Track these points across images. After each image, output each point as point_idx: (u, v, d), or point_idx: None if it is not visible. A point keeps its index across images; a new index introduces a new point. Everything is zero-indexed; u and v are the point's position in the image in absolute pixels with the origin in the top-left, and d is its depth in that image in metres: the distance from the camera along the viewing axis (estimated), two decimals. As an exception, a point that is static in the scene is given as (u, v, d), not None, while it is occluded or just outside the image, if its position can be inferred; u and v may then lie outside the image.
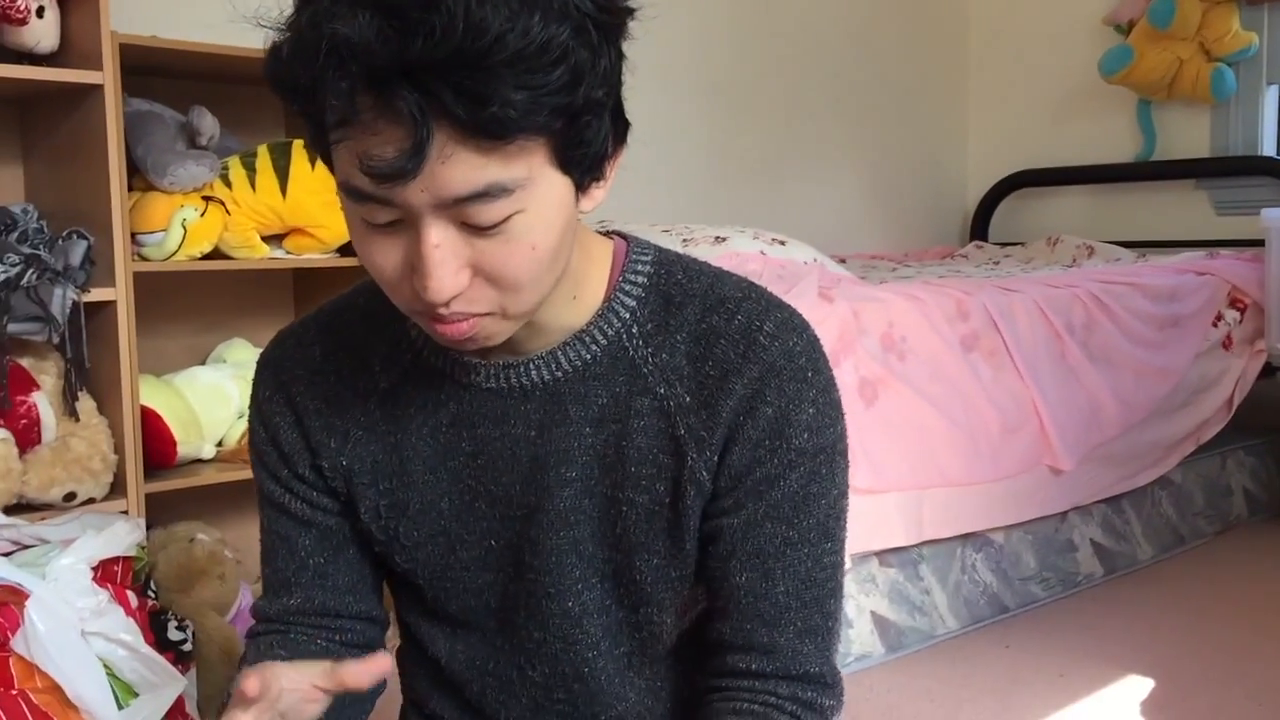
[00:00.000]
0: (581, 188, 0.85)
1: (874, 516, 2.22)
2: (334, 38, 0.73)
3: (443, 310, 0.82)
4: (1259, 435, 3.36)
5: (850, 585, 2.25)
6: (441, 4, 0.71)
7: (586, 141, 0.81)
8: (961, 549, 2.47)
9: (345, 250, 2.31)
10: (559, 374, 0.96)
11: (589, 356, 0.96)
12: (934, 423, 2.31)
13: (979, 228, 4.27)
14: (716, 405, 0.93)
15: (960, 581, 2.46)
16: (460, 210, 0.78)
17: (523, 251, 0.81)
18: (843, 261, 3.39)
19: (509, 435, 0.97)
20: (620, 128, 0.87)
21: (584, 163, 0.83)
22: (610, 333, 0.96)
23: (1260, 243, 3.22)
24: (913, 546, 2.35)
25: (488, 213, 0.78)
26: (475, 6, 0.71)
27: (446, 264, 0.79)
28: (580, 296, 0.95)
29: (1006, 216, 4.28)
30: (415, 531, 1.01)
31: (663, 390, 0.95)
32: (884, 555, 2.32)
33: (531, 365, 0.96)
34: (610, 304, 0.96)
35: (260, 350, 2.44)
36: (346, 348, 1.02)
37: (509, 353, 0.96)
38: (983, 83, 4.40)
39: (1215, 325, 3.09)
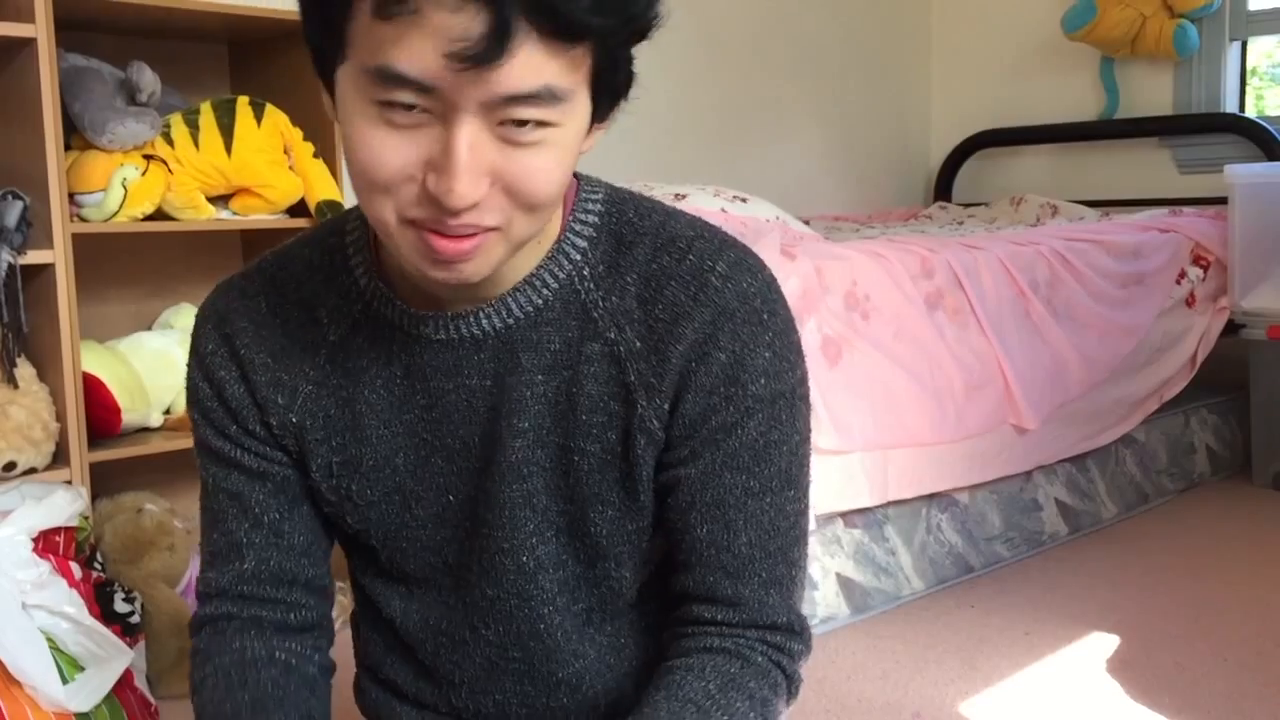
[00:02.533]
0: (592, 124, 0.84)
1: (839, 477, 2.19)
2: None
3: (452, 220, 0.78)
4: (1222, 393, 3.36)
5: (815, 547, 2.23)
6: None
7: (618, 70, 0.82)
8: (927, 509, 2.45)
9: (295, 211, 2.24)
10: (510, 321, 0.92)
11: (540, 302, 0.92)
12: (898, 382, 2.28)
13: (943, 188, 4.25)
14: (666, 351, 0.90)
15: (925, 542, 2.44)
16: (507, 111, 0.76)
17: (548, 167, 0.79)
18: (807, 222, 3.35)
19: (463, 387, 0.93)
20: (630, 79, 0.86)
21: (610, 93, 0.83)
22: (562, 276, 0.92)
23: (1223, 200, 3.21)
24: (878, 507, 2.33)
25: (534, 113, 0.76)
26: None
27: (475, 168, 0.76)
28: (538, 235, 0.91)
29: (970, 176, 4.25)
30: (369, 490, 0.97)
31: (613, 335, 0.91)
32: (849, 516, 2.29)
33: (482, 314, 0.92)
34: (561, 245, 0.92)
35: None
36: (293, 300, 0.97)
37: (457, 304, 0.92)
38: (945, 41, 4.36)
39: (1179, 283, 3.08)
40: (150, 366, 2.13)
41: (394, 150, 0.77)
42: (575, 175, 0.97)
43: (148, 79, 2.03)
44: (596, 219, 0.94)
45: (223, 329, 0.97)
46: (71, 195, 1.97)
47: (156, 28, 2.23)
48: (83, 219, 1.99)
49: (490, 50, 0.72)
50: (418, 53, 0.73)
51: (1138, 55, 3.78)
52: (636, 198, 0.97)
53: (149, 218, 2.07)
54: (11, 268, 1.85)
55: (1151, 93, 3.85)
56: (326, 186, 2.22)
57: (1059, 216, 3.59)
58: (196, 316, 1.01)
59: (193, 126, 2.10)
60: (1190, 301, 3.11)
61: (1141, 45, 3.70)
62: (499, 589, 0.98)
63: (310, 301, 0.97)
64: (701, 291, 0.90)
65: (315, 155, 2.22)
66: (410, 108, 0.76)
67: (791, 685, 0.96)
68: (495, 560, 0.96)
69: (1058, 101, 4.04)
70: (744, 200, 2.49)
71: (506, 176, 0.78)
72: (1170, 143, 3.81)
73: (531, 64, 0.74)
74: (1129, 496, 3.00)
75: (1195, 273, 3.13)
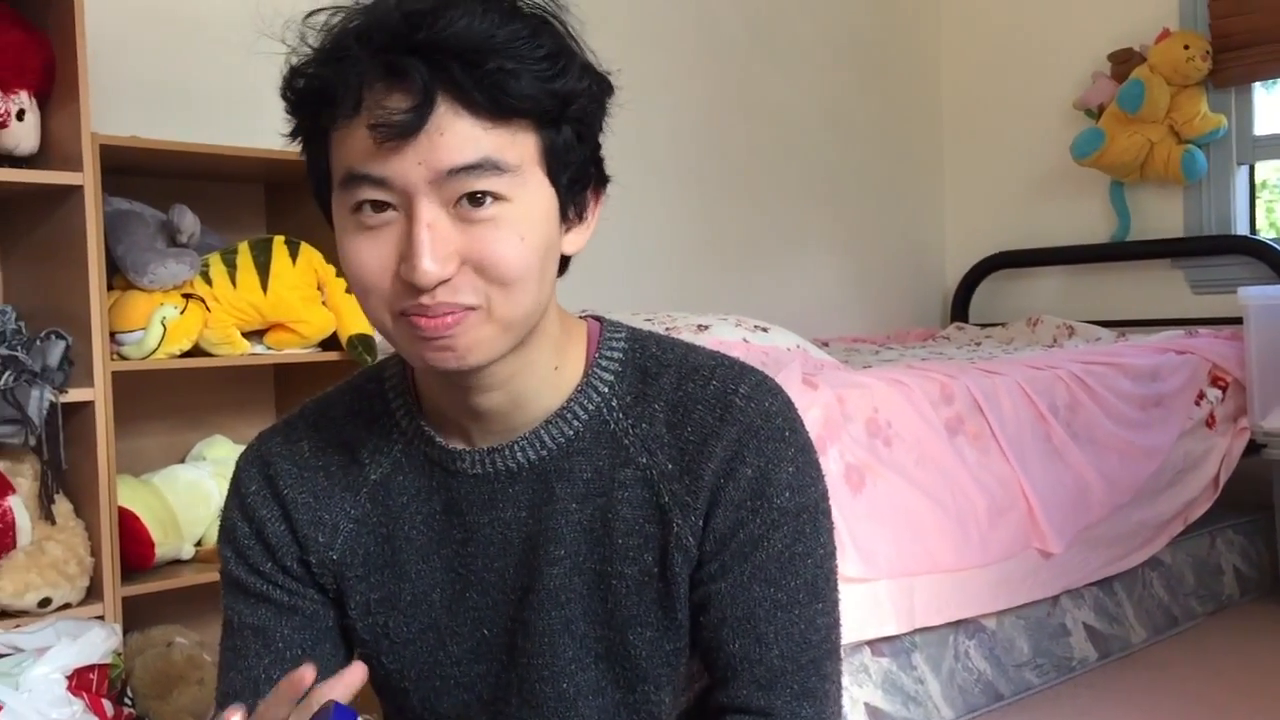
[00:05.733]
0: (565, 215, 0.91)
1: (865, 605, 2.19)
2: (358, 26, 0.85)
3: (427, 301, 0.84)
4: (1247, 513, 3.35)
5: (844, 678, 2.21)
6: (451, 7, 0.83)
7: (570, 155, 0.89)
8: (954, 636, 2.43)
9: (327, 345, 2.30)
10: (544, 453, 0.96)
11: (571, 433, 0.96)
12: (922, 508, 2.29)
13: (959, 308, 4.30)
14: (698, 469, 0.94)
15: (954, 669, 2.43)
16: (453, 186, 0.83)
17: (510, 239, 0.85)
18: (825, 345, 3.40)
19: (499, 520, 0.97)
20: (600, 174, 0.94)
21: (568, 179, 0.90)
22: (590, 407, 0.97)
23: (1238, 320, 3.25)
24: (905, 635, 2.32)
25: (480, 184, 0.83)
26: (480, 14, 0.83)
27: (437, 245, 0.83)
28: (561, 368, 0.97)
29: (986, 297, 4.31)
30: (405, 626, 1.00)
31: (644, 460, 0.96)
32: (876, 645, 2.28)
33: (516, 447, 0.96)
34: (589, 379, 0.98)
35: (241, 446, 2.41)
36: (334, 443, 1.02)
37: (492, 438, 0.96)
38: (958, 165, 4.46)
39: (1198, 404, 3.10)
40: (183, 499, 2.16)
41: (370, 250, 0.86)
42: (597, 318, 1.03)
43: (188, 221, 2.10)
44: (620, 354, 0.99)
45: (266, 471, 1.02)
46: (112, 334, 2.03)
47: (196, 171, 2.31)
48: (122, 356, 2.05)
49: (413, 121, 0.81)
50: (367, 148, 0.83)
51: (1147, 179, 3.86)
52: (655, 335, 1.03)
53: (186, 354, 2.12)
54: (53, 406, 1.90)
55: (1162, 215, 3.92)
56: (358, 321, 2.28)
57: (1075, 337, 3.63)
58: (239, 460, 1.05)
59: (230, 265, 2.17)
60: (1210, 422, 3.12)
61: (1150, 170, 3.78)
62: (540, 717, 0.99)
63: (351, 443, 1.01)
64: (727, 412, 0.95)
65: (348, 291, 2.28)
66: (378, 207, 0.85)
67: None
68: (535, 689, 0.98)
69: (1070, 224, 4.11)
70: (765, 330, 2.54)
71: (472, 255, 0.85)
72: (1183, 264, 3.86)
73: (468, 137, 0.83)
74: (1157, 620, 2.97)
75: (1214, 394, 3.15)
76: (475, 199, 0.84)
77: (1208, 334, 3.33)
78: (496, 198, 0.84)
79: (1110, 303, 4.02)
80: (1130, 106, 3.71)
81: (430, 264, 0.83)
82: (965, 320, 4.26)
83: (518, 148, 0.85)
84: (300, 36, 0.88)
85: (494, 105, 0.83)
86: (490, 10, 0.84)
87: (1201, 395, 3.11)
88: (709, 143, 3.67)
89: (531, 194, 0.87)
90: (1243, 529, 3.31)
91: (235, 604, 1.03)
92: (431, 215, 0.84)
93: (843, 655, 2.25)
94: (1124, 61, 3.87)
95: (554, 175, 0.88)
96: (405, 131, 0.82)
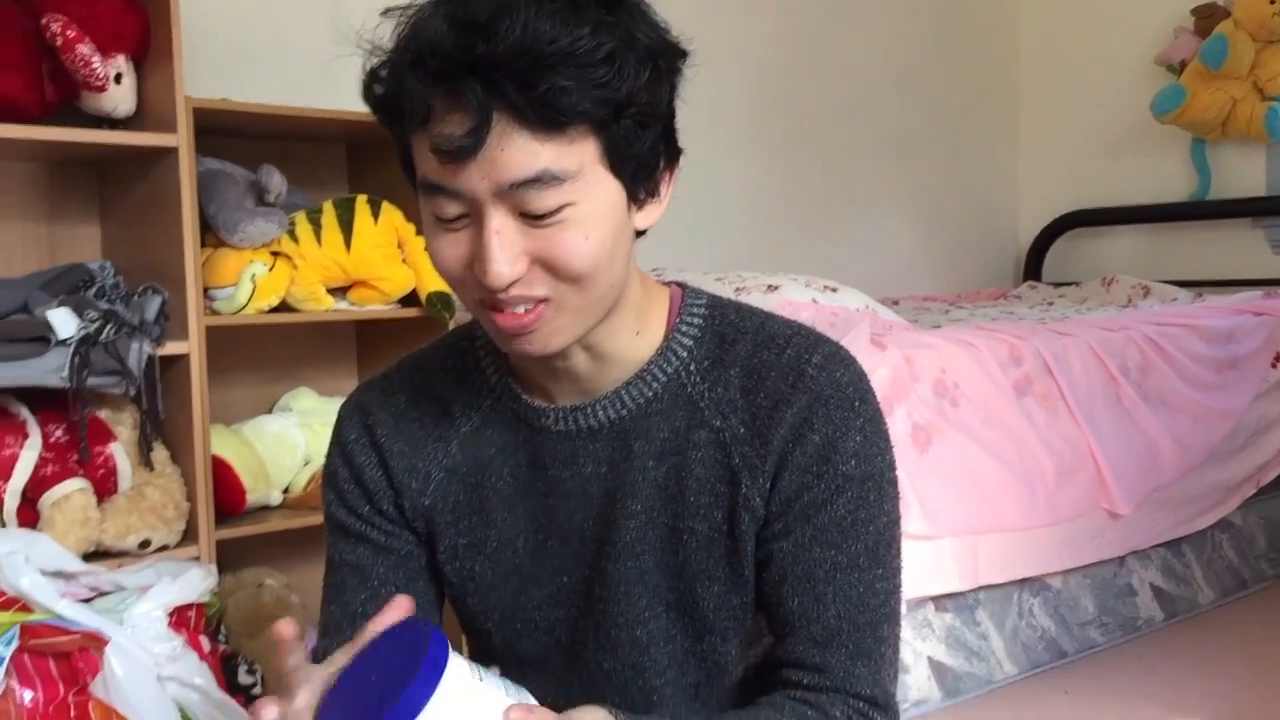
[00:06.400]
0: (635, 198, 0.94)
1: (929, 562, 2.23)
2: (415, 43, 0.87)
3: (502, 296, 0.90)
4: (1322, 476, 3.31)
5: (906, 631, 2.26)
6: (505, 15, 0.84)
7: (634, 147, 0.91)
8: (1019, 594, 2.46)
9: (406, 301, 2.37)
10: (624, 412, 1.02)
11: (650, 394, 1.01)
12: (988, 468, 2.31)
13: (1032, 268, 4.27)
14: (768, 434, 0.98)
15: (1018, 627, 2.46)
16: (517, 198, 0.87)
17: (575, 240, 0.89)
18: (895, 304, 3.42)
19: (579, 475, 1.03)
20: (672, 149, 0.97)
21: (633, 169, 0.92)
22: (670, 370, 1.02)
23: (1319, 282, 3.20)
24: (969, 592, 2.35)
25: (541, 200, 0.87)
26: (533, 18, 0.84)
27: (505, 250, 0.88)
28: (643, 333, 1.02)
29: (1060, 257, 4.27)
30: (490, 571, 1.06)
31: (718, 423, 1.00)
32: (940, 600, 2.32)
33: (598, 406, 1.02)
34: (669, 343, 1.02)
35: (325, 399, 2.50)
36: (428, 397, 1.08)
37: (576, 397, 1.02)
38: (1034, 123, 4.41)
39: (1274, 366, 3.07)
40: (271, 448, 2.26)
41: (449, 248, 0.92)
42: (680, 285, 1.08)
43: (275, 181, 2.18)
44: (701, 320, 1.04)
45: (365, 420, 1.09)
46: (205, 290, 2.11)
47: (282, 132, 2.39)
48: (214, 311, 2.14)
49: (470, 145, 0.85)
50: (429, 160, 0.88)
51: (1229, 137, 3.79)
52: (735, 303, 1.07)
53: (273, 309, 2.21)
54: (151, 358, 1.99)
55: (1244, 174, 3.86)
56: (437, 279, 2.34)
57: (1151, 297, 3.60)
58: (341, 409, 1.13)
59: (315, 224, 2.24)
60: (1286, 385, 3.09)
61: (1233, 128, 3.72)
62: (615, 661, 1.05)
63: (444, 397, 1.08)
64: (799, 380, 0.99)
65: (427, 249, 2.35)
66: (454, 218, 0.90)
67: None
68: (610, 634, 1.04)
69: (1148, 182, 4.06)
70: (834, 290, 2.57)
71: (540, 254, 0.89)
72: (1264, 223, 3.80)
73: (524, 153, 0.86)
74: (1226, 582, 2.97)
75: (1291, 356, 3.11)
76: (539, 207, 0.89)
77: (1287, 295, 3.29)
78: (560, 205, 0.88)
79: (1188, 263, 3.97)
80: (1213, 62, 3.64)
81: (500, 267, 0.88)
82: (1038, 280, 4.23)
83: (576, 153, 0.88)
84: (372, 44, 0.92)
85: (548, 122, 0.86)
86: (549, 9, 0.84)
87: (1278, 358, 3.08)
88: (781, 103, 3.68)
89: (595, 191, 0.90)
90: (1318, 493, 3.28)
91: (337, 543, 1.10)
92: (499, 223, 0.88)
93: (906, 611, 2.28)
94: (1207, 16, 3.79)
95: (618, 168, 0.91)
96: (463, 155, 0.86)
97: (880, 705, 1.00)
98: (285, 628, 0.84)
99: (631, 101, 0.88)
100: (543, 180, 0.87)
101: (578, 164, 0.88)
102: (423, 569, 1.10)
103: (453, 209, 0.89)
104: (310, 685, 0.87)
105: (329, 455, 1.12)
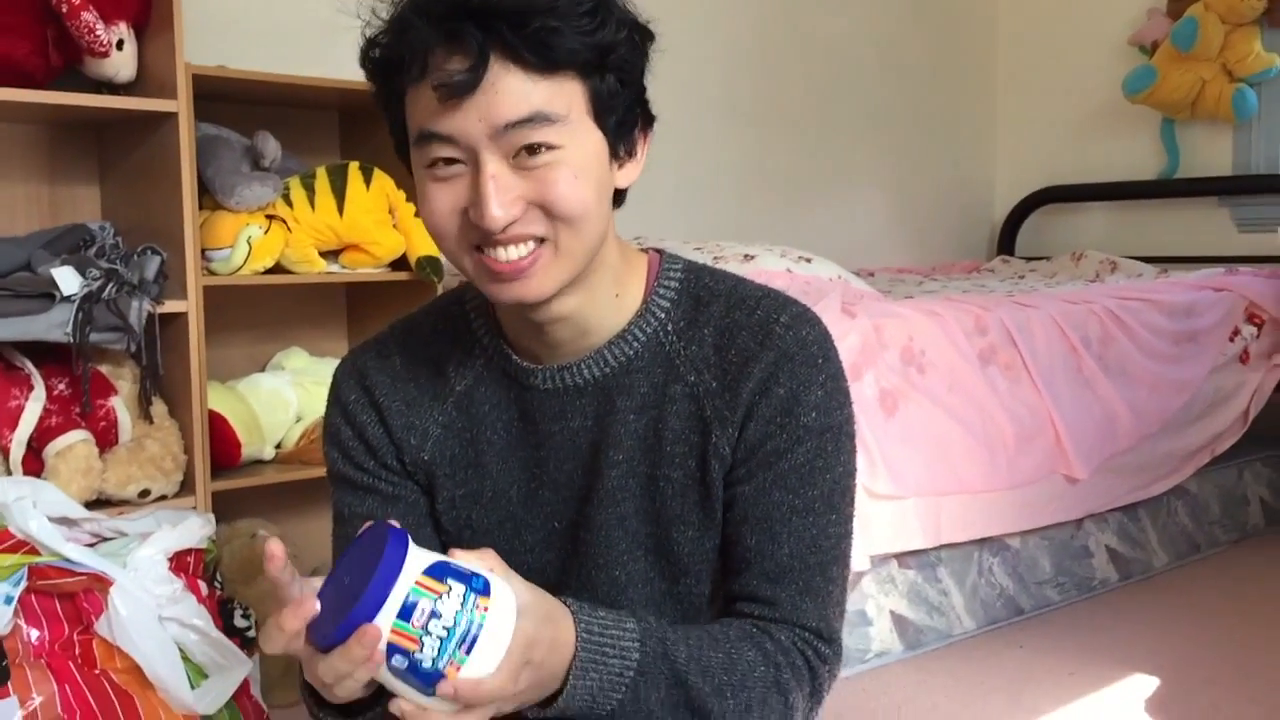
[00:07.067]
0: (615, 154, 1.03)
1: (893, 521, 2.34)
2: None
3: (500, 237, 0.98)
4: (1276, 447, 3.44)
5: (870, 585, 2.37)
6: None
7: (614, 101, 0.99)
8: (979, 553, 2.58)
9: (396, 265, 2.45)
10: (607, 370, 1.10)
11: (631, 353, 1.10)
12: (952, 433, 2.42)
13: (1006, 242, 4.38)
14: (738, 388, 1.07)
15: (977, 584, 2.58)
16: (511, 139, 0.95)
17: (566, 179, 0.97)
18: (871, 275, 3.52)
19: (567, 429, 1.12)
20: (646, 115, 1.06)
21: (614, 122, 1.00)
22: (649, 330, 1.11)
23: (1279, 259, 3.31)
24: (931, 550, 2.47)
25: (534, 136, 0.96)
26: None
27: (501, 193, 0.96)
28: (622, 296, 1.10)
29: (1033, 231, 4.38)
30: (486, 518, 1.15)
31: (693, 378, 1.09)
32: (903, 558, 2.43)
33: (583, 365, 1.10)
34: (648, 305, 1.11)
35: (315, 358, 2.58)
36: (422, 358, 1.16)
37: (562, 357, 1.10)
38: (1011, 99, 4.51)
39: (1232, 340, 3.18)
40: (265, 405, 2.35)
41: (443, 196, 0.99)
42: (658, 251, 1.16)
43: (271, 147, 2.26)
44: (677, 284, 1.13)
45: (363, 382, 1.17)
46: (203, 251, 2.19)
47: (277, 98, 2.46)
48: (211, 272, 2.22)
49: (470, 80, 0.93)
50: (434, 107, 0.95)
51: (1198, 117, 3.90)
52: (710, 268, 1.16)
53: (268, 271, 2.29)
54: (151, 316, 2.07)
55: (1211, 154, 3.96)
56: (426, 244, 2.43)
57: (1118, 272, 3.71)
58: (336, 372, 1.20)
59: (309, 189, 2.32)
60: (1244, 358, 3.21)
61: (1201, 108, 3.82)
62: (594, 599, 1.12)
63: (438, 359, 1.16)
64: (767, 339, 1.07)
65: (416, 215, 2.44)
66: (448, 162, 0.97)
67: (815, 680, 1.08)
68: (591, 575, 1.13)
69: (1119, 160, 4.16)
70: (808, 260, 2.66)
71: (534, 196, 0.97)
72: (1229, 202, 3.91)
73: (519, 91, 0.94)
74: (1180, 546, 3.09)
75: (1249, 330, 3.23)
76: (531, 149, 0.96)
77: (1248, 272, 3.40)
78: (550, 146, 0.97)
79: (1156, 239, 4.08)
80: (1184, 44, 3.74)
81: (497, 210, 0.96)
82: (1011, 254, 4.34)
83: (565, 97, 0.96)
84: (372, 10, 1.00)
85: (541, 60, 0.93)
86: None
87: (1236, 331, 3.20)
88: (760, 76, 3.76)
89: (582, 138, 0.98)
90: (1271, 462, 3.41)
91: (344, 497, 1.18)
92: (494, 167, 0.95)
93: (870, 566, 2.38)
94: (1179, -1, 3.89)
95: (601, 120, 0.99)
96: (464, 89, 0.93)
97: (824, 638, 1.08)
98: (275, 546, 0.90)
99: (612, 51, 0.97)
100: (534, 120, 0.94)
101: (566, 108, 0.96)
102: (427, 516, 1.17)
103: (447, 151, 0.96)
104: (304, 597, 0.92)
105: (328, 416, 1.19)
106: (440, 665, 0.85)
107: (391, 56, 0.98)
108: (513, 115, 0.94)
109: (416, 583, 0.86)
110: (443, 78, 0.93)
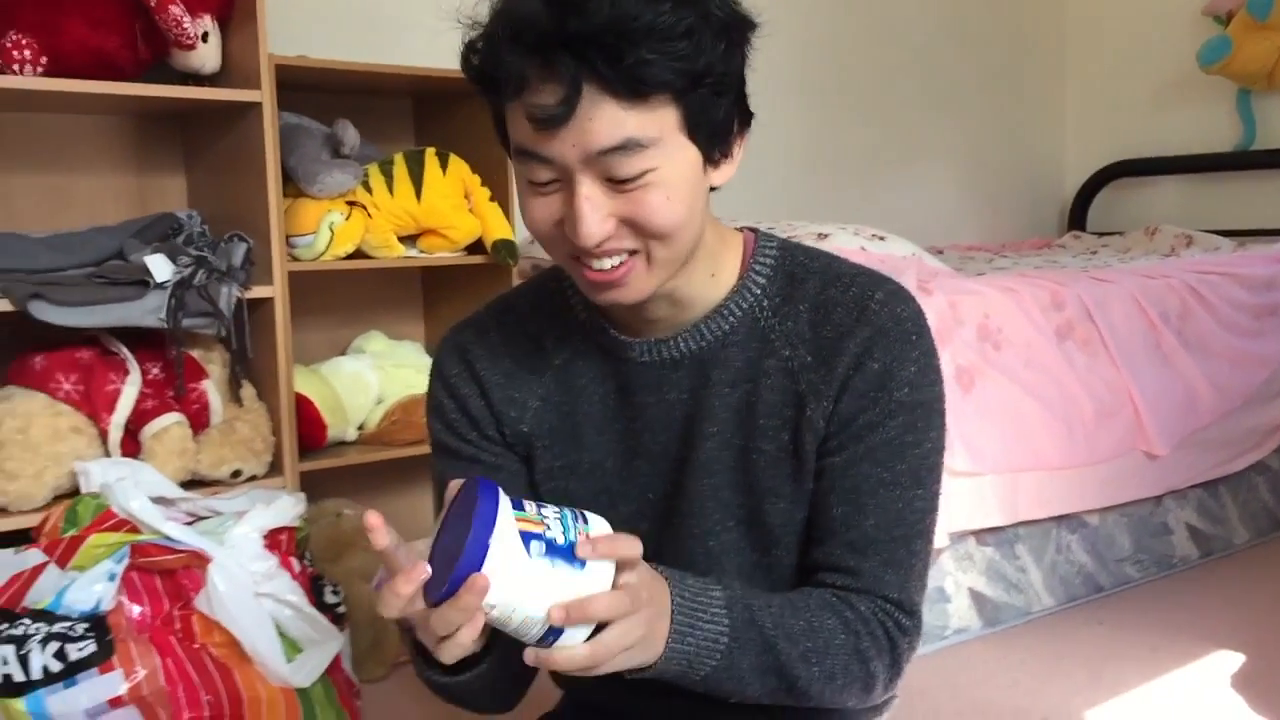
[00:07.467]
0: (710, 160, 1.04)
1: (971, 498, 2.34)
2: (510, 17, 0.95)
3: (595, 251, 1.00)
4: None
5: (949, 562, 2.37)
6: None
7: (710, 114, 0.99)
8: (1056, 530, 2.57)
9: (473, 249, 2.49)
10: (703, 344, 1.13)
11: (727, 327, 1.12)
12: (1029, 408, 2.41)
13: (1077, 218, 4.32)
14: (832, 363, 1.09)
15: (1055, 561, 2.56)
16: (604, 164, 0.96)
17: (658, 201, 0.98)
18: (940, 253, 3.50)
19: (664, 401, 1.14)
20: (744, 114, 1.07)
21: (708, 134, 1.00)
22: (745, 306, 1.13)
23: (1361, 231, 3.24)
24: (1009, 526, 2.46)
25: (626, 165, 0.97)
26: None
27: (594, 213, 0.97)
28: (718, 275, 1.12)
29: (1104, 206, 4.32)
30: (582, 489, 1.18)
31: (787, 353, 1.11)
32: (981, 535, 2.43)
33: (679, 339, 1.13)
34: (744, 282, 1.13)
35: (394, 341, 2.62)
36: (520, 334, 1.20)
37: (659, 332, 1.13)
38: (1080, 74, 4.45)
39: (1314, 313, 3.12)
40: (347, 387, 2.40)
41: (542, 210, 1.01)
42: (753, 230, 1.19)
43: (351, 135, 2.30)
44: (773, 261, 1.15)
45: (464, 356, 1.20)
46: (287, 237, 2.24)
47: (353, 86, 2.51)
48: (295, 258, 2.27)
49: (563, 114, 0.93)
50: (530, 129, 0.96)
51: (1275, 88, 3.82)
52: (804, 246, 1.19)
53: (349, 256, 2.34)
54: (239, 301, 2.12)
55: (1290, 124, 3.89)
56: (501, 227, 2.46)
57: (1194, 247, 3.65)
58: (439, 348, 1.24)
59: (387, 176, 2.36)
60: (1326, 332, 3.15)
61: (1279, 78, 3.74)
62: (690, 569, 1.14)
63: (536, 334, 1.19)
64: (862, 315, 1.09)
65: (491, 199, 2.47)
66: (545, 182, 0.98)
67: (894, 651, 1.09)
68: (686, 545, 1.15)
69: (1193, 132, 4.09)
70: (882, 238, 2.66)
71: (626, 215, 0.98)
72: (1309, 173, 3.84)
73: (612, 120, 0.94)
74: (1261, 522, 3.05)
75: (1331, 303, 3.16)
76: (624, 175, 0.98)
77: (1329, 244, 3.34)
78: (643, 170, 0.98)
79: (1232, 212, 4.01)
80: (1260, 13, 3.67)
81: (590, 229, 0.98)
82: (1083, 229, 4.29)
83: (657, 121, 0.96)
84: (471, 18, 1.01)
85: (633, 93, 0.94)
86: None
87: (1318, 305, 3.14)
88: (831, 57, 3.75)
89: (675, 156, 0.98)
90: (1355, 438, 3.34)
91: (448, 467, 1.20)
92: (588, 189, 0.97)
93: (949, 544, 2.38)
94: (1256, -34, 3.81)
95: (694, 134, 0.99)
96: (556, 122, 0.94)
97: (905, 610, 1.10)
98: (373, 518, 0.92)
99: (709, 72, 0.96)
100: (627, 147, 0.95)
101: (659, 131, 0.96)
102: (527, 487, 1.21)
103: (545, 174, 0.98)
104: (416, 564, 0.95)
105: (431, 390, 1.22)
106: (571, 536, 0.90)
107: (488, 73, 0.99)
108: (606, 144, 0.95)
109: (517, 519, 0.89)
110: (535, 110, 0.94)
